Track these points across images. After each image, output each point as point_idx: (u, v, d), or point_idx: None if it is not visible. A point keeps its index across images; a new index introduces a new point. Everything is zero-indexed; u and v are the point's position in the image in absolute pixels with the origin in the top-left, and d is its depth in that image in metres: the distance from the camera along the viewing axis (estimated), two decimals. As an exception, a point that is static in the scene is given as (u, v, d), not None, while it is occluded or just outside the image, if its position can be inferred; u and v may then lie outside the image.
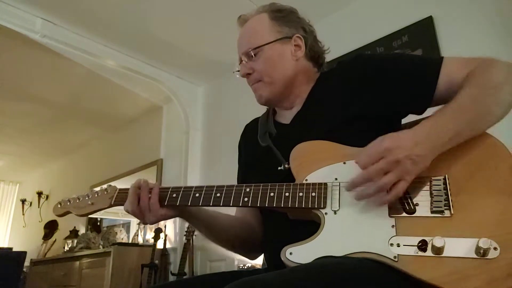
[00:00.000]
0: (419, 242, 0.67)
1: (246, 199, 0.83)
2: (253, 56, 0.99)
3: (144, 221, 0.91)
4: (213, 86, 3.70)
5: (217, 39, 2.96)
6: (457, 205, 0.69)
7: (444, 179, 0.72)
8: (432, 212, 0.70)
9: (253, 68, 1.00)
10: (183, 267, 2.86)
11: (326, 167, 0.81)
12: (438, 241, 0.64)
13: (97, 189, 0.99)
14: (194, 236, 2.94)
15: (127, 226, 4.05)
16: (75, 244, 4.02)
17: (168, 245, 3.31)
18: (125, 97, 3.93)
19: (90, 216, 1.07)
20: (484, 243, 0.62)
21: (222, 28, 2.76)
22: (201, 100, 3.76)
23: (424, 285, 0.64)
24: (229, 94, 3.44)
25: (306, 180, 0.81)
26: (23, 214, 5.71)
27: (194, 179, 3.41)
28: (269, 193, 0.81)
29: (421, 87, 0.84)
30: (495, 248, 0.63)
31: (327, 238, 0.73)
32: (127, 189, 0.93)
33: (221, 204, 0.85)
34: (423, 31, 2.23)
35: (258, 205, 0.82)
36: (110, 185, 0.98)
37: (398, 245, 0.68)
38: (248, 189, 0.83)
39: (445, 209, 0.69)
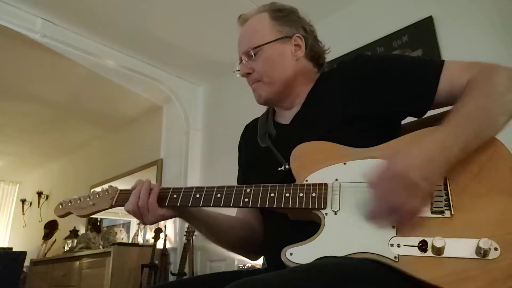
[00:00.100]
0: (420, 242, 0.67)
1: (246, 199, 0.83)
2: (253, 55, 0.98)
3: (143, 221, 0.91)
4: (213, 86, 3.70)
5: (217, 39, 2.96)
6: (458, 206, 0.69)
7: (445, 179, 0.72)
8: (432, 212, 0.70)
9: (253, 67, 1.00)
10: (183, 267, 2.86)
11: (326, 167, 0.81)
12: (438, 242, 0.64)
13: (98, 189, 0.99)
14: (194, 236, 2.94)
15: (127, 226, 4.05)
16: (75, 244, 4.02)
17: (168, 245, 3.31)
18: (125, 97, 3.93)
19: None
20: (484, 243, 0.62)
21: (222, 28, 2.76)
22: (201, 100, 3.76)
23: (425, 286, 0.64)
24: (229, 94, 3.44)
25: (307, 180, 0.81)
26: (23, 214, 5.71)
27: (194, 179, 3.41)
28: (269, 193, 0.81)
29: (422, 87, 0.84)
30: (495, 249, 0.63)
31: (328, 238, 0.73)
32: (128, 189, 0.94)
33: (221, 205, 0.85)
34: (423, 31, 2.23)
35: (259, 205, 0.82)
36: (111, 186, 0.98)
37: (399, 246, 0.68)
38: (248, 190, 0.83)
39: (446, 209, 0.69)
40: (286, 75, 0.98)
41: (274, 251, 0.77)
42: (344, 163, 0.80)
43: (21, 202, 5.77)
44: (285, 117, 1.02)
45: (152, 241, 3.22)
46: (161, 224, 3.34)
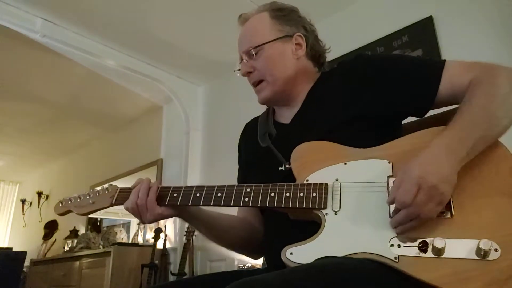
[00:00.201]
0: (420, 243, 0.67)
1: (246, 199, 0.83)
2: (254, 54, 0.98)
3: (141, 219, 0.91)
4: (213, 86, 3.70)
5: (217, 39, 2.96)
6: (458, 206, 0.69)
7: (445, 180, 0.72)
8: (433, 212, 0.70)
9: (254, 66, 0.99)
10: (183, 267, 2.86)
11: (327, 167, 0.81)
12: (438, 242, 0.64)
13: (98, 188, 0.99)
14: (194, 236, 2.94)
15: (127, 226, 4.05)
16: (75, 244, 4.02)
17: (168, 245, 3.31)
18: (125, 97, 3.93)
19: (90, 216, 1.07)
20: (484, 244, 0.62)
21: (222, 28, 2.76)
22: (201, 100, 3.76)
23: (424, 286, 0.64)
24: (229, 94, 3.44)
25: (307, 180, 0.81)
26: (23, 214, 5.71)
27: (194, 180, 3.41)
28: (270, 193, 0.81)
29: (422, 87, 0.84)
30: (495, 250, 0.63)
31: (328, 238, 0.73)
32: (128, 188, 0.94)
33: (221, 204, 0.85)
34: (423, 31, 2.23)
35: (259, 205, 0.82)
36: (111, 185, 0.98)
37: (399, 246, 0.68)
38: (248, 189, 0.83)
39: (446, 210, 0.69)
40: (287, 74, 0.98)
41: (274, 250, 0.77)
42: (345, 163, 0.80)
43: (21, 202, 5.76)
44: (285, 116, 1.02)
45: (152, 241, 3.22)
46: (161, 224, 3.34)
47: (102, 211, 0.97)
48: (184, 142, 3.56)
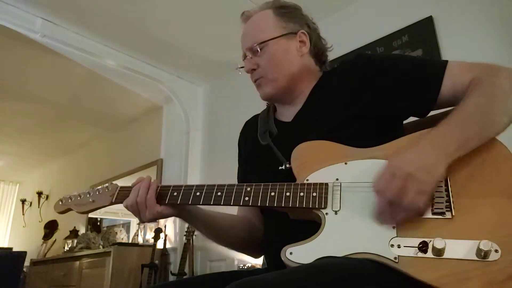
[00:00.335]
0: (420, 243, 0.66)
1: (246, 198, 0.83)
2: (258, 51, 0.98)
3: (140, 218, 0.91)
4: (213, 86, 3.69)
5: (217, 39, 2.96)
6: (458, 207, 0.69)
7: (445, 180, 0.72)
8: (433, 213, 0.70)
9: (258, 63, 0.99)
10: (183, 267, 2.86)
11: (327, 167, 0.81)
12: (438, 243, 0.64)
13: (98, 187, 0.99)
14: (194, 236, 2.94)
15: (127, 226, 4.05)
16: (75, 244, 4.02)
17: (168, 245, 3.31)
18: (125, 97, 3.93)
19: (90, 216, 1.07)
20: (485, 245, 0.62)
21: (222, 28, 2.76)
22: (201, 100, 3.76)
23: (424, 286, 0.64)
24: (229, 94, 3.44)
25: (307, 180, 0.81)
26: (23, 214, 5.71)
27: (194, 180, 3.41)
28: (270, 192, 0.81)
29: (422, 87, 0.84)
30: (496, 250, 0.63)
31: (328, 238, 0.73)
32: (129, 186, 0.93)
33: (221, 203, 0.85)
34: (423, 31, 2.23)
35: (259, 204, 0.82)
36: (111, 183, 0.98)
37: (399, 246, 0.68)
38: (248, 189, 0.83)
39: (446, 210, 0.69)
40: (291, 71, 0.98)
41: (274, 250, 0.77)
42: (345, 163, 0.80)
43: (21, 202, 5.77)
44: (287, 114, 1.01)
45: (152, 241, 3.22)
46: (161, 224, 3.34)
47: (102, 211, 0.97)
48: (184, 142, 3.56)
